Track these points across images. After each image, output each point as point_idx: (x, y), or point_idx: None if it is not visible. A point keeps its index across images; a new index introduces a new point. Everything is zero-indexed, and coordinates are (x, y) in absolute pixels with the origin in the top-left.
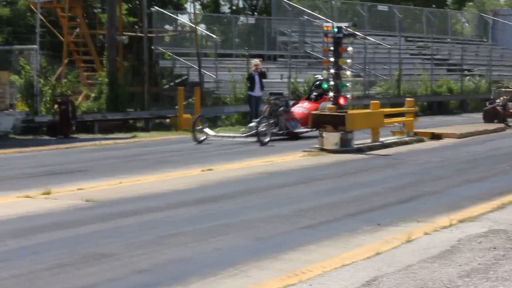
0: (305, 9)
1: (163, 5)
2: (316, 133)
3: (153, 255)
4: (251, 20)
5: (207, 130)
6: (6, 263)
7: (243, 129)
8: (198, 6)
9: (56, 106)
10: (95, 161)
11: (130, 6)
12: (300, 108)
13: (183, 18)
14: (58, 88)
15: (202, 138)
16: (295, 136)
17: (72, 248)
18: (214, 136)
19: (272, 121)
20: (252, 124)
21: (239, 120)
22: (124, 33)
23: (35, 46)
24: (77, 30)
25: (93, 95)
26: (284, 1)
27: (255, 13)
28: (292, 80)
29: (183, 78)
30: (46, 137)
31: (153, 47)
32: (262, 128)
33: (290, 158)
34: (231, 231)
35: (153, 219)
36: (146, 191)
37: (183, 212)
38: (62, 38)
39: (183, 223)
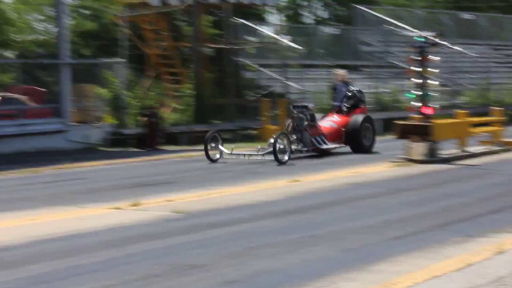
0: (388, 19)
1: (246, 17)
2: (347, 149)
3: (242, 266)
4: (334, 30)
5: (221, 147)
6: (97, 273)
7: (259, 146)
8: (281, 17)
9: (143, 118)
10: (183, 173)
11: (214, 18)
12: (329, 122)
13: (266, 30)
14: (145, 101)
15: (217, 157)
16: (324, 153)
17: (161, 259)
18: (230, 154)
19: (295, 137)
20: (272, 141)
21: None
22: (209, 45)
23: (122, 60)
24: (162, 43)
25: (179, 107)
26: (367, 11)
27: (338, 23)
28: (376, 90)
29: (268, 89)
30: (134, 149)
31: (237, 59)
32: (280, 145)
33: (376, 168)
34: (319, 242)
35: (241, 230)
36: (234, 202)
37: (270, 223)
38: (147, 51)
39: (271, 234)
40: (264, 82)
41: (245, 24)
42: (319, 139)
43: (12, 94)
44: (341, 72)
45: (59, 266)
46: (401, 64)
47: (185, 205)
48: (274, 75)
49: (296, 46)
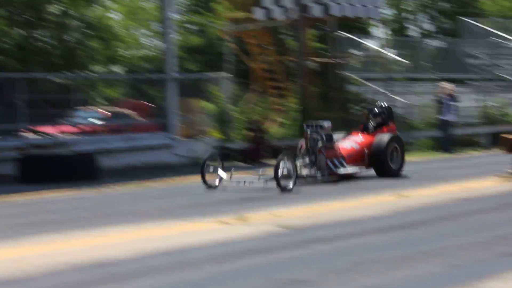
0: (495, 31)
1: (351, 30)
2: (371, 172)
3: (349, 282)
4: (440, 43)
5: (220, 172)
6: None
7: (261, 171)
8: (386, 31)
9: (248, 132)
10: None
11: (319, 32)
12: (349, 143)
13: (371, 43)
14: (250, 115)
15: (216, 183)
16: (344, 177)
17: (267, 274)
18: (229, 180)
19: (307, 160)
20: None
21: (431, 145)
22: (313, 59)
23: (228, 74)
24: (267, 57)
25: (284, 121)
26: (473, 23)
27: (444, 36)
28: (483, 104)
29: (372, 102)
30: (239, 163)
31: (341, 73)
32: (283, 171)
33: (484, 183)
34: (426, 258)
35: (346, 245)
36: (339, 217)
37: (376, 238)
38: (252, 66)
39: (377, 250)
40: (369, 95)
41: (350, 37)
42: (336, 162)
43: (121, 109)
44: (447, 85)
45: (168, 280)
46: (509, 77)
47: (291, 220)
48: (379, 89)
49: (402, 60)
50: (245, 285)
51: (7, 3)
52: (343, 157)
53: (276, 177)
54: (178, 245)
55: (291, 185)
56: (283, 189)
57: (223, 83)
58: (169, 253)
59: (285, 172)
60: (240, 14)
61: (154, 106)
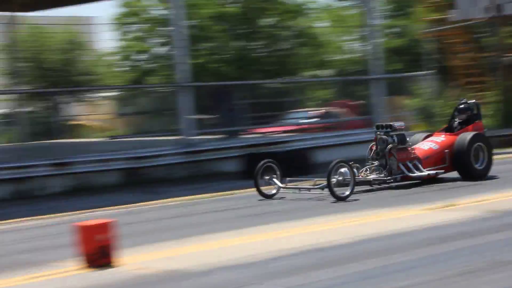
0: None
1: None
2: (453, 174)
3: None
4: None
5: (276, 180)
6: (416, 270)
7: (317, 179)
8: None
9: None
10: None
11: None
12: (429, 143)
13: None
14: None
15: (272, 192)
16: (424, 181)
17: (477, 256)
18: (286, 188)
19: (376, 163)
20: (342, 170)
21: None
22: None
23: (430, 72)
24: (465, 54)
25: (486, 113)
26: None
27: None
28: None
29: None
30: None
31: None
32: (336, 177)
33: None
34: None
35: None
36: None
37: None
38: (452, 63)
39: None
40: None
41: None
42: (409, 165)
43: (331, 109)
44: None
45: (382, 263)
46: None
47: (497, 205)
48: None
49: None
50: (454, 267)
51: (226, 18)
52: (418, 160)
53: (329, 185)
54: (390, 230)
55: (347, 192)
56: (338, 198)
57: (425, 81)
58: (382, 238)
59: (340, 179)
60: (437, 16)
61: (362, 104)
